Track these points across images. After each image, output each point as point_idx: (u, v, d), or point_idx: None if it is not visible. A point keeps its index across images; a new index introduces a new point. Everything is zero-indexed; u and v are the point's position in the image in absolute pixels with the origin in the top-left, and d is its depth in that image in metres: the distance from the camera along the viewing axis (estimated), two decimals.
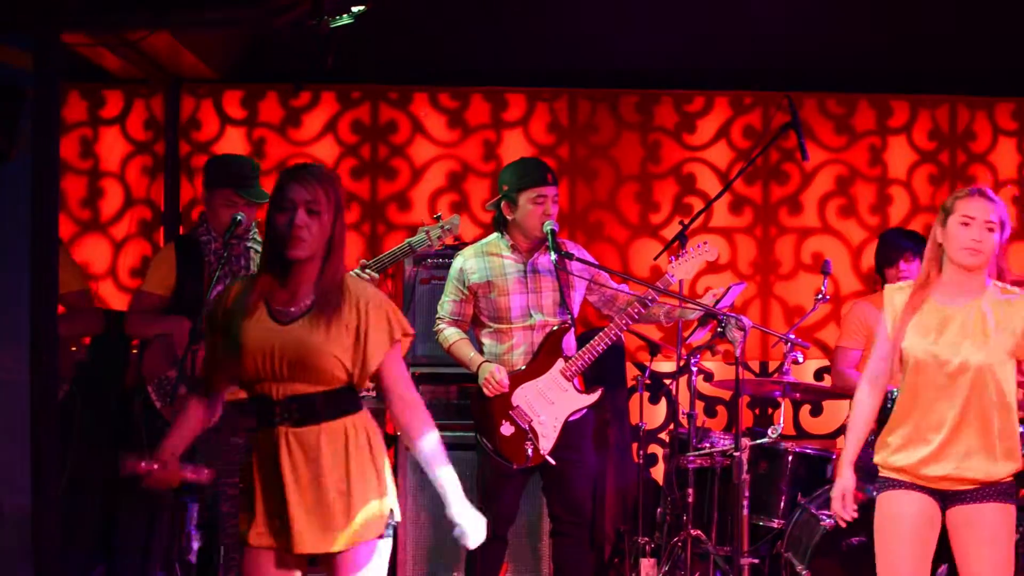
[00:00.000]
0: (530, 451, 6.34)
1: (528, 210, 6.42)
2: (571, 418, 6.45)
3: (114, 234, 8.35)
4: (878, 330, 5.35)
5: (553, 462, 6.36)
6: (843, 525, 5.43)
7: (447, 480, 4.57)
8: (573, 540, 6.58)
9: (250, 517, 4.46)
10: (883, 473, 5.19)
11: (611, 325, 6.46)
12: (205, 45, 7.68)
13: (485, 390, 6.38)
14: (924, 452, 5.06)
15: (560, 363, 6.45)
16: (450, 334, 6.57)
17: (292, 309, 4.42)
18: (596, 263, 6.74)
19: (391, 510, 4.53)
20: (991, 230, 5.05)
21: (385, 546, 4.52)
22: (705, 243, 6.60)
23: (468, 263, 6.51)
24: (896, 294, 5.22)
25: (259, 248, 6.28)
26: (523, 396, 6.41)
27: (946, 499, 5.09)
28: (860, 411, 5.35)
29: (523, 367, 6.47)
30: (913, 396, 5.10)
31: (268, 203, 4.47)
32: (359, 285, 4.53)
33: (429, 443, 4.57)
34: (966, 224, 5.04)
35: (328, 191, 4.39)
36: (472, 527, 4.60)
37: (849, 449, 5.32)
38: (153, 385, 6.30)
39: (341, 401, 4.47)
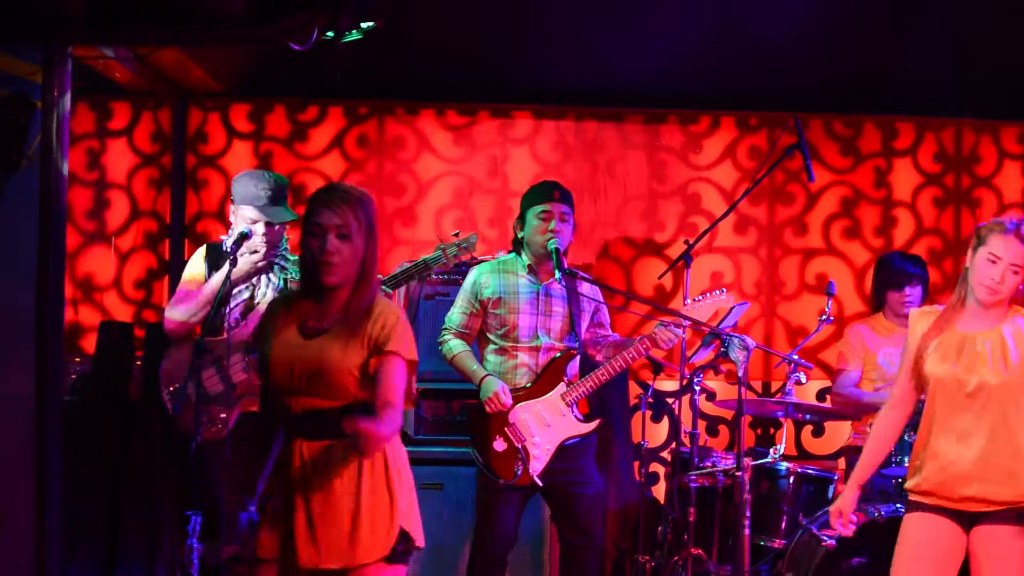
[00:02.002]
0: (519, 470, 6.34)
1: (533, 225, 6.44)
2: (566, 443, 6.44)
3: (120, 245, 8.36)
4: (901, 354, 5.37)
5: (540, 483, 6.36)
6: (832, 543, 5.52)
7: None
8: (583, 567, 6.58)
9: (273, 530, 4.52)
10: (911, 497, 5.22)
11: (617, 357, 6.46)
12: (213, 59, 7.70)
13: (487, 407, 6.39)
14: (948, 473, 5.08)
15: (562, 387, 6.45)
16: (455, 345, 6.58)
17: (319, 326, 4.46)
18: (600, 291, 6.74)
19: (404, 533, 4.49)
20: (1016, 272, 5.06)
21: (397, 573, 4.50)
22: (723, 291, 6.58)
23: (483, 277, 6.51)
24: (920, 319, 5.23)
25: (286, 263, 6.30)
26: (520, 415, 6.41)
27: (971, 521, 5.10)
28: (880, 433, 5.36)
29: (526, 385, 6.48)
30: (934, 419, 5.12)
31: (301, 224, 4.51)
32: (386, 303, 4.55)
33: None
34: (992, 262, 5.04)
35: (359, 214, 4.41)
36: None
37: (859, 469, 5.34)
38: (168, 392, 6.29)
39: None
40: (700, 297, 6.57)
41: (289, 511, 4.43)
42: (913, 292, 7.46)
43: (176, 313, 6.33)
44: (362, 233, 4.41)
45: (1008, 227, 5.06)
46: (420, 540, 4.55)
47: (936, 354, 5.13)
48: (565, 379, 6.47)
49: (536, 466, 6.35)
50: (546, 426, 6.40)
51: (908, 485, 5.23)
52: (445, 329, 6.64)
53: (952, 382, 5.07)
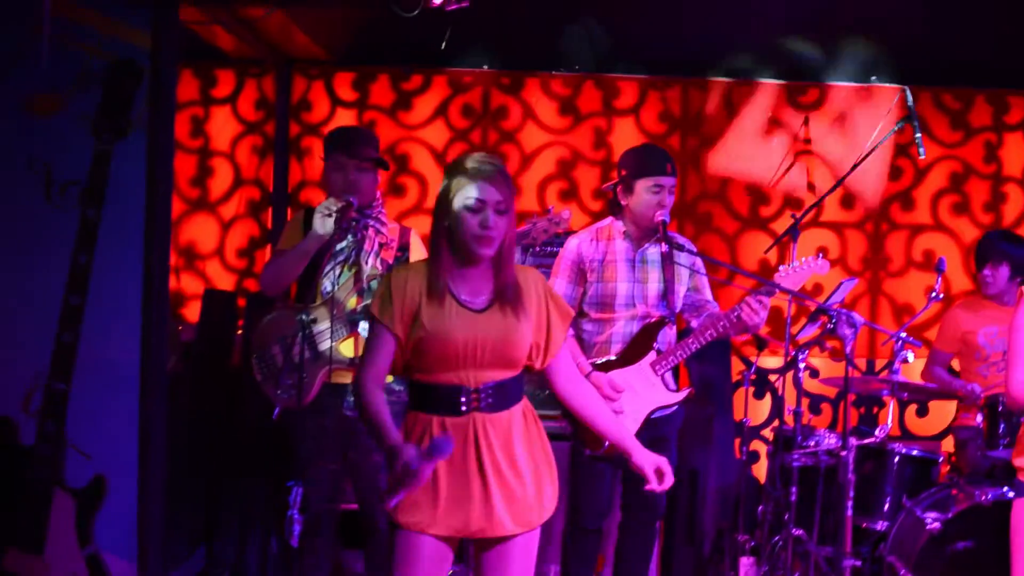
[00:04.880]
0: (607, 441, 6.26)
1: (643, 198, 6.29)
2: (655, 414, 6.34)
3: (223, 213, 8.41)
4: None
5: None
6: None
7: (617, 430, 4.80)
8: (639, 538, 6.52)
9: (428, 504, 4.46)
10: None
11: (708, 327, 6.31)
12: (318, 26, 7.69)
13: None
14: None
15: (652, 355, 6.32)
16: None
17: (479, 299, 4.49)
18: (699, 258, 6.62)
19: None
20: None
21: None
22: (819, 256, 6.41)
23: (583, 245, 6.40)
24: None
25: (381, 227, 6.13)
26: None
27: None
28: None
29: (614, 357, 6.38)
30: None
31: (446, 198, 4.45)
32: (526, 272, 4.64)
33: (599, 412, 4.82)
34: None
35: (512, 189, 4.48)
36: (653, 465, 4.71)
37: None
38: (256, 356, 6.17)
39: (520, 385, 4.63)
40: (795, 263, 6.41)
41: (466, 484, 4.46)
42: (995, 272, 7.30)
43: (270, 277, 6.25)
44: (512, 207, 4.47)
45: None
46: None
47: None
48: (656, 347, 6.36)
49: None
50: (634, 394, 6.29)
51: None
52: None
53: None
